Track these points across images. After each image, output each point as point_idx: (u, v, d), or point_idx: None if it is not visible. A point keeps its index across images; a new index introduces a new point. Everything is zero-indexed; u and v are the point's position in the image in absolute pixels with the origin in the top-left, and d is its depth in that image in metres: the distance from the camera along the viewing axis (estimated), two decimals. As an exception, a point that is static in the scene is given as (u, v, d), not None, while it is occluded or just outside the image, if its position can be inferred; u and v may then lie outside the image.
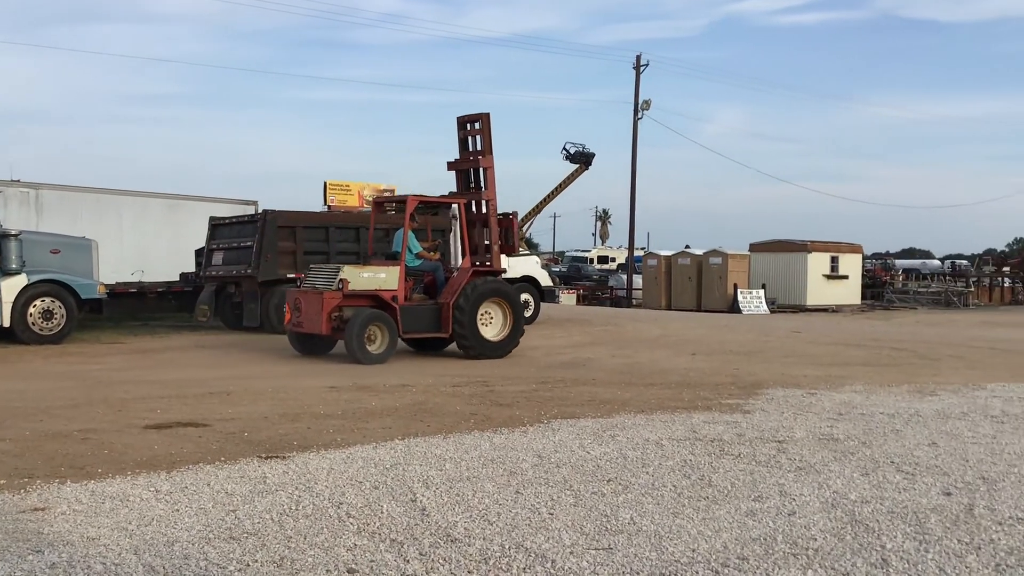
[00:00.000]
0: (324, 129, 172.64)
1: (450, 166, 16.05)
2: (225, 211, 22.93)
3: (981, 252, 74.54)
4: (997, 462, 6.90)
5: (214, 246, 20.71)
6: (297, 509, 5.46)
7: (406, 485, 6.04)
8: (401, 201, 15.75)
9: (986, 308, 39.52)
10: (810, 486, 6.10)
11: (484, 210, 15.71)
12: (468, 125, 16.05)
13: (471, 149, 15.86)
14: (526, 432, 8.01)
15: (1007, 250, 79.65)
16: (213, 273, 20.40)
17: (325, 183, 23.14)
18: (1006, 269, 54.26)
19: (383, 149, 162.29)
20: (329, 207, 22.64)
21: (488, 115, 15.88)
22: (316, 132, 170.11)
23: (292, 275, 19.45)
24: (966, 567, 4.51)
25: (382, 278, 14.27)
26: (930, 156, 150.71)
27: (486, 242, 15.79)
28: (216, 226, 21.01)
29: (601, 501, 5.67)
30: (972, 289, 42.95)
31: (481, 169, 15.59)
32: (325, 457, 6.89)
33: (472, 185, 15.80)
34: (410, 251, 14.80)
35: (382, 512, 5.41)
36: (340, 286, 13.98)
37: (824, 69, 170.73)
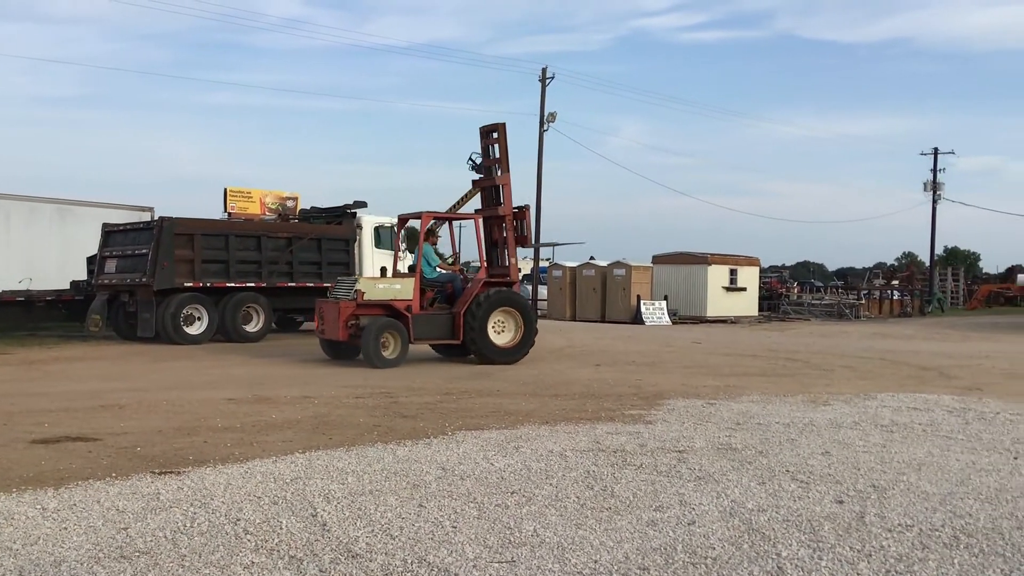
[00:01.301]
0: (225, 135, 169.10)
1: (475, 185, 17.03)
2: (119, 217, 22.26)
3: (872, 265, 77.59)
4: (887, 470, 7.15)
5: (107, 253, 20.08)
6: (192, 526, 5.31)
7: (306, 500, 5.93)
8: (417, 216, 16.58)
9: (876, 320, 41.07)
10: (709, 495, 6.22)
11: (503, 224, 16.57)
12: (489, 135, 16.84)
13: (491, 157, 16.76)
14: (430, 444, 7.96)
15: (896, 263, 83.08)
16: (106, 281, 19.77)
17: (225, 190, 22.59)
18: (895, 282, 56.58)
19: (287, 156, 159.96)
20: (229, 214, 22.12)
21: (503, 125, 16.77)
22: (217, 138, 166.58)
23: (190, 284, 19.00)
24: (858, 574, 4.65)
25: (397, 289, 15.54)
26: (824, 172, 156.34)
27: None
28: (110, 233, 20.37)
29: (505, 513, 5.67)
30: (863, 302, 44.58)
31: (500, 186, 16.54)
32: (222, 472, 6.72)
33: (494, 200, 16.70)
34: (429, 264, 16.05)
35: (281, 528, 5.30)
36: (355, 296, 15.24)
37: (724, 86, 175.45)
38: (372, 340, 14.83)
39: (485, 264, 16.41)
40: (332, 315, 15.39)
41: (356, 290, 15.28)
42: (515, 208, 16.54)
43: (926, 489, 6.50)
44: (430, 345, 16.34)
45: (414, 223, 17.21)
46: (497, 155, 16.68)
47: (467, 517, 5.57)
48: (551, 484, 6.49)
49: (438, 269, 16.36)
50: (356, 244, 21.72)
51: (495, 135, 16.71)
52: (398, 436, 8.34)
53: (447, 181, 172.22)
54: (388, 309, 15.38)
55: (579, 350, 19.45)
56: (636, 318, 33.38)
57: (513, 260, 16.44)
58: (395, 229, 22.41)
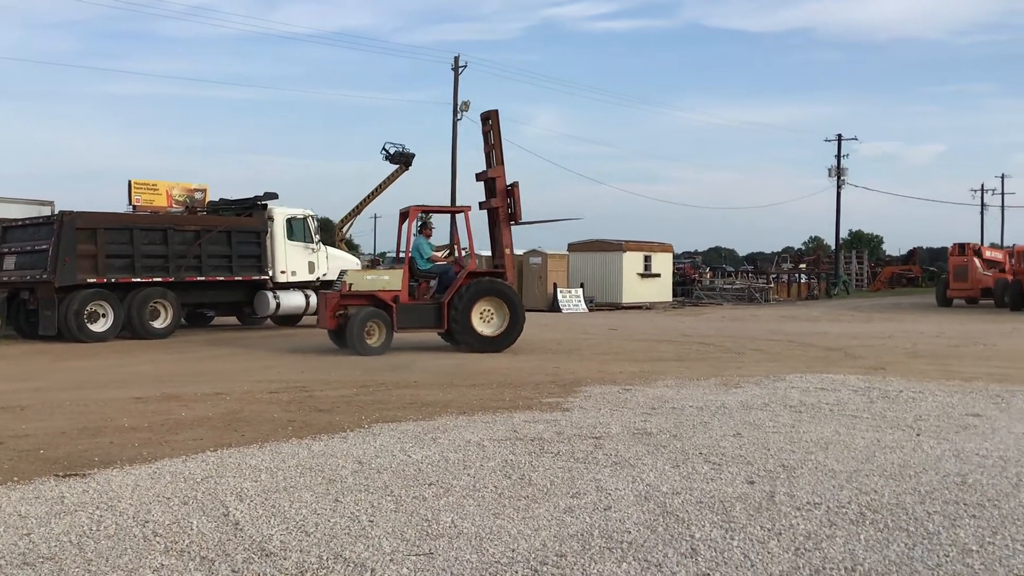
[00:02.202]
0: (128, 125, 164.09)
1: (478, 177, 17.23)
2: (17, 212, 21.45)
3: (780, 250, 79.58)
4: (796, 450, 7.35)
5: (5, 250, 19.35)
6: (99, 530, 5.15)
7: (218, 499, 5.81)
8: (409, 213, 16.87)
9: (785, 303, 42.17)
10: (625, 480, 6.30)
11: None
12: (486, 121, 17.07)
13: (489, 143, 16.99)
14: (346, 438, 7.88)
15: (803, 248, 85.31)
16: (4, 279, 19.03)
17: (130, 182, 21.90)
18: (802, 266, 58.16)
19: (194, 147, 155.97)
20: (134, 207, 21.49)
21: (495, 112, 16.88)
22: (120, 129, 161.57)
23: (93, 279, 18.42)
24: (768, 552, 4.77)
25: (385, 280, 16.27)
26: (733, 159, 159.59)
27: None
28: (7, 228, 19.63)
29: (422, 505, 5.65)
30: (772, 285, 45.71)
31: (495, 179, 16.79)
32: (129, 473, 6.53)
33: (492, 193, 16.91)
34: (421, 256, 16.54)
35: (191, 529, 5.17)
36: (340, 287, 16.06)
37: (636, 75, 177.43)
38: (355, 329, 15.58)
39: (473, 256, 16.89)
40: (324, 306, 16.32)
41: (343, 281, 16.07)
42: (508, 186, 16.76)
43: (833, 467, 6.70)
44: (439, 334, 16.97)
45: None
46: (492, 143, 16.92)
47: (384, 510, 5.53)
48: (469, 474, 6.48)
49: (431, 260, 16.79)
50: (268, 236, 21.33)
51: (490, 122, 16.94)
52: (313, 431, 8.24)
53: (361, 171, 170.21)
54: (374, 299, 15.97)
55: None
56: (553, 306, 33.59)
57: (507, 251, 16.79)
58: (308, 221, 22.15)
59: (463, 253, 17.52)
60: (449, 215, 17.65)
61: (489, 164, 17.01)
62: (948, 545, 4.86)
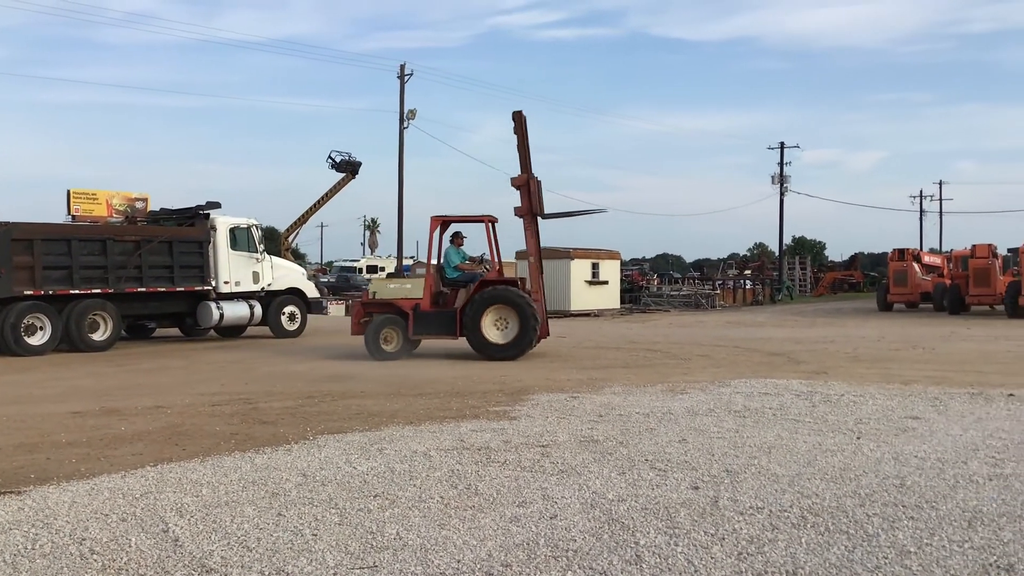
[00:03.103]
0: (67, 134, 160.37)
1: (514, 182, 17.05)
2: (-51, 222, 20.82)
3: (726, 256, 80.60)
4: (739, 455, 7.44)
5: (-63, 261, 18.75)
6: (33, 548, 5.02)
7: (157, 515, 5.71)
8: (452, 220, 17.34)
9: (731, 309, 42.69)
10: (571, 488, 6.31)
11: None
12: (515, 121, 17.12)
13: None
14: (290, 450, 7.79)
15: (748, 254, 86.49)
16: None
17: (68, 192, 21.52)
18: (748, 272, 58.95)
19: (135, 156, 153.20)
20: (73, 217, 21.06)
21: (518, 113, 16.88)
22: (59, 137, 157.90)
23: (30, 292, 18.02)
24: (712, 557, 4.81)
25: (407, 288, 16.98)
26: (679, 167, 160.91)
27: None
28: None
29: (367, 518, 5.61)
30: (718, 292, 46.25)
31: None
32: (66, 490, 6.39)
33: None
34: (449, 264, 16.98)
35: (130, 546, 5.07)
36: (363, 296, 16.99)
37: (582, 83, 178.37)
38: (371, 335, 16.62)
39: (495, 265, 17.11)
40: (352, 313, 17.54)
41: (366, 290, 16.82)
42: (521, 183, 16.76)
43: (776, 471, 6.79)
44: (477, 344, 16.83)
45: (457, 226, 17.56)
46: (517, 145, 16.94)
47: (328, 524, 5.48)
48: (415, 485, 6.45)
49: (459, 269, 17.01)
50: (210, 246, 21.04)
51: (516, 124, 16.98)
52: (257, 443, 8.13)
53: (307, 180, 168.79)
54: (392, 307, 16.72)
55: (444, 348, 19.40)
56: (501, 314, 33.56)
57: (531, 258, 17.07)
58: (252, 230, 21.90)
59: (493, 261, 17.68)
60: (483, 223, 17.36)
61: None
62: (887, 547, 4.95)
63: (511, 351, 16.28)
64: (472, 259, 17.36)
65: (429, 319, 16.61)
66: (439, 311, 16.69)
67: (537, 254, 17.06)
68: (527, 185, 16.67)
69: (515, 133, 16.93)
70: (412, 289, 16.84)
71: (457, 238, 17.26)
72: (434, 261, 17.09)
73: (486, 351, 16.31)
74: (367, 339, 16.67)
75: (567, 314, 35.36)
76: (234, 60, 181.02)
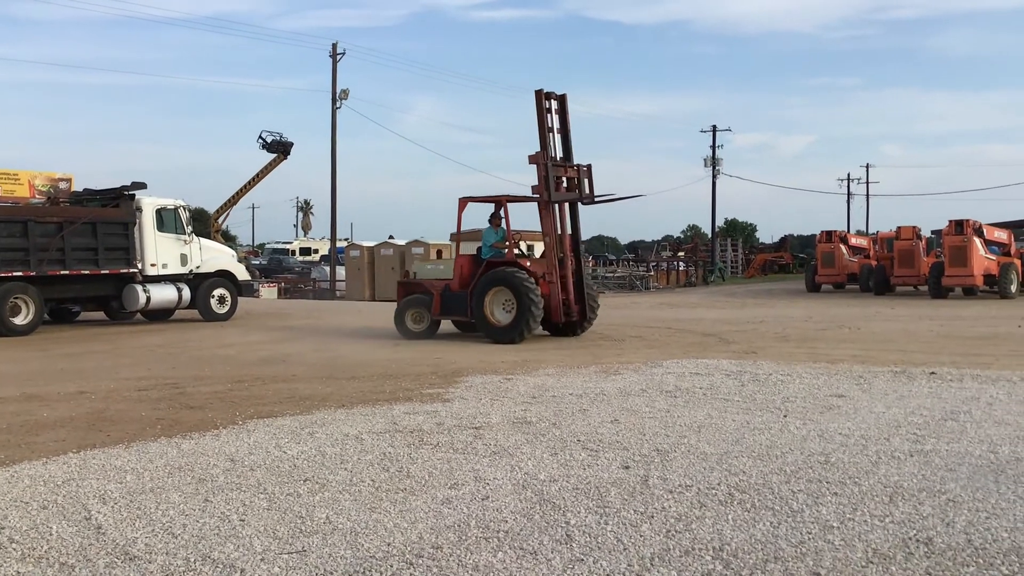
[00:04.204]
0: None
1: (530, 159, 16.49)
2: None
3: (660, 238, 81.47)
4: (670, 434, 7.54)
5: None
6: (-53, 540, 4.87)
7: (80, 502, 5.58)
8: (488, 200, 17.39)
9: (664, 290, 43.20)
10: (503, 469, 6.34)
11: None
12: (547, 102, 16.45)
13: (549, 127, 16.44)
14: (218, 435, 7.68)
15: (682, 236, 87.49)
16: None
17: (-12, 171, 20.81)
18: (681, 254, 59.69)
19: (58, 135, 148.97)
20: (-8, 198, 20.40)
21: (539, 91, 16.35)
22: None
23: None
24: (640, 535, 4.88)
25: (441, 269, 17.52)
26: (614, 150, 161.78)
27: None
28: None
29: (296, 502, 5.56)
30: (652, 273, 46.74)
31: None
32: (-17, 479, 6.20)
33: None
34: (485, 244, 16.88)
35: (51, 534, 4.95)
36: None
37: (518, 64, 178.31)
38: (399, 314, 17.26)
39: (511, 245, 16.77)
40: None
41: (406, 270, 17.25)
42: (579, 165, 16.61)
43: (704, 450, 6.90)
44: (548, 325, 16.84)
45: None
46: (557, 124, 16.60)
47: (256, 509, 5.42)
48: (346, 469, 6.41)
49: (494, 248, 16.84)
50: (136, 228, 20.56)
51: (553, 105, 16.57)
52: (183, 429, 8.00)
53: (237, 160, 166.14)
54: (422, 287, 17.15)
55: (377, 330, 19.31)
56: (436, 296, 33.48)
57: (546, 238, 16.55)
58: (180, 212, 21.45)
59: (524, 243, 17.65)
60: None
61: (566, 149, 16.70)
62: (811, 522, 5.07)
63: (508, 334, 15.92)
64: (513, 237, 17.07)
65: (453, 300, 16.55)
66: (461, 293, 16.47)
67: (553, 235, 16.45)
68: (543, 166, 16.13)
69: (557, 113, 16.66)
70: (444, 270, 17.00)
71: (495, 219, 17.01)
72: (468, 242, 17.13)
73: (488, 333, 16.16)
74: (395, 317, 17.14)
75: (502, 296, 35.43)
76: (162, 37, 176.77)
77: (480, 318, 16.19)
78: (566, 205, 16.87)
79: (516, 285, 15.94)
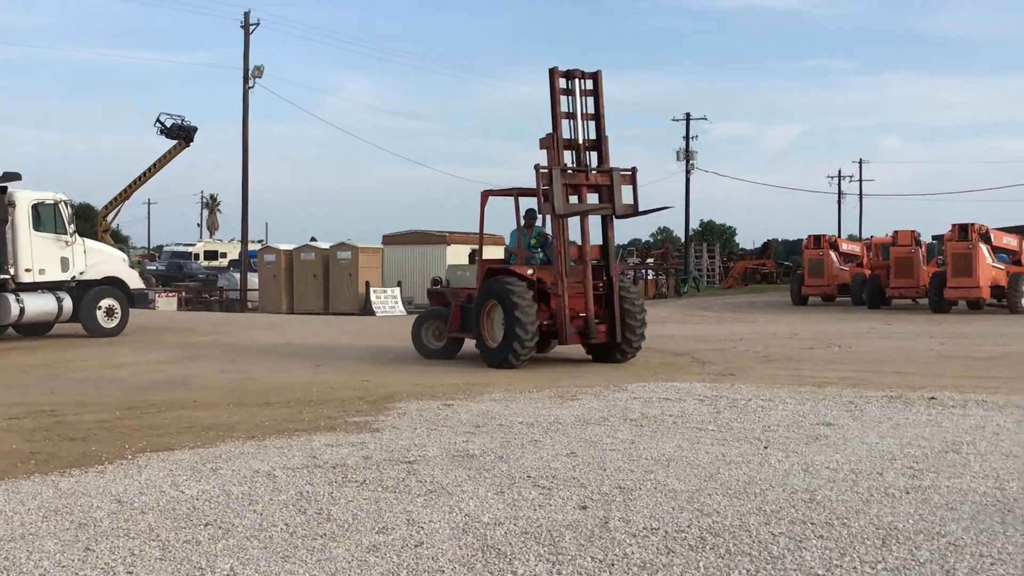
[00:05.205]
0: None
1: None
2: None
3: (626, 243, 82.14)
4: (634, 469, 7.59)
5: None
6: None
7: (-65, 553, 5.46)
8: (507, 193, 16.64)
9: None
10: (441, 511, 6.33)
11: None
12: (569, 82, 15.57)
13: (570, 112, 15.55)
14: (103, 472, 7.59)
15: (651, 240, 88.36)
16: None
17: None
18: (650, 260, 60.22)
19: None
20: None
21: (553, 70, 15.47)
22: None
23: None
24: (599, 586, 4.90)
25: (467, 276, 16.70)
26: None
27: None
28: None
29: (195, 551, 5.49)
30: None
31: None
32: None
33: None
34: (505, 252, 16.88)
35: (-102, 592, 4.84)
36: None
37: (465, 41, 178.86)
38: (415, 328, 16.98)
39: (520, 249, 16.24)
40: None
41: (438, 278, 17.45)
42: (613, 170, 15.54)
43: (674, 487, 6.96)
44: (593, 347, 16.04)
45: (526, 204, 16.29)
46: (590, 109, 15.69)
47: (147, 559, 5.35)
48: (255, 511, 6.36)
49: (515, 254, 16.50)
50: (8, 226, 20.20)
51: (588, 84, 15.74)
52: (62, 464, 7.90)
53: (130, 148, 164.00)
54: (443, 299, 16.83)
55: (296, 348, 19.21)
56: (366, 308, 33.42)
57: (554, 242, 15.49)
58: (60, 207, 21.11)
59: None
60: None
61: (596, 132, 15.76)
62: (793, 570, 5.13)
63: (496, 357, 15.17)
64: (544, 237, 16.27)
65: (469, 314, 15.83)
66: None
67: (562, 239, 15.33)
68: (545, 175, 15.05)
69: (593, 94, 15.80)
70: (470, 278, 16.39)
71: (528, 216, 16.24)
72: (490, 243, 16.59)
73: (481, 354, 15.59)
74: (413, 332, 16.84)
75: (442, 308, 35.39)
76: (39, 0, 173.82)
77: (478, 336, 15.57)
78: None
79: (504, 299, 15.01)
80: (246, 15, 43.60)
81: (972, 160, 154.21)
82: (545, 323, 15.31)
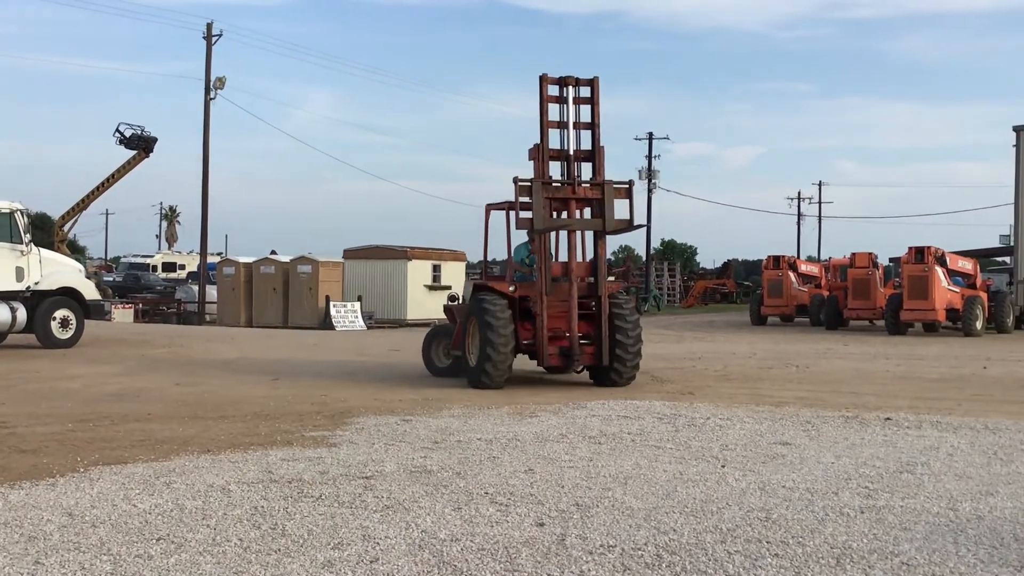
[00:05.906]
0: None
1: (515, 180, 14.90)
2: None
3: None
4: (592, 486, 7.59)
5: None
6: None
7: None
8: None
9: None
10: (397, 527, 6.30)
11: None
12: (564, 89, 15.02)
13: (563, 122, 15.03)
14: (55, 485, 7.49)
15: (612, 259, 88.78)
16: None
17: None
18: (611, 279, 60.39)
19: None
20: None
21: (543, 76, 14.99)
22: None
23: None
24: (554, 603, 4.89)
25: None
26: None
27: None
28: None
29: (147, 566, 5.43)
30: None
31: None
32: None
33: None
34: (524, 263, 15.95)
35: None
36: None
37: (428, 57, 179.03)
38: (424, 345, 16.73)
39: (510, 267, 16.11)
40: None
41: (450, 293, 17.76)
42: (616, 183, 14.97)
43: (631, 504, 6.97)
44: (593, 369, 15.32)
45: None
46: (586, 120, 15.08)
47: (98, 573, 5.29)
48: (208, 526, 6.30)
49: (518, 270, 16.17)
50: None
51: (583, 92, 15.08)
52: (12, 476, 7.79)
53: (88, 157, 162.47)
54: (452, 314, 16.60)
55: (254, 362, 19.08)
56: (325, 322, 33.27)
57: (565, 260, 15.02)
58: (16, 216, 20.85)
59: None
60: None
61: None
62: (748, 588, 5.15)
63: (475, 375, 14.65)
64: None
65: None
66: None
67: (543, 254, 14.80)
68: (525, 186, 14.57)
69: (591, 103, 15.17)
70: None
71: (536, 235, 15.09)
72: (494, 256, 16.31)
73: (465, 373, 15.12)
74: (423, 348, 16.67)
75: (403, 323, 35.31)
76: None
77: (463, 355, 15.15)
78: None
79: (479, 316, 14.43)
80: (208, 26, 43.42)
81: (928, 184, 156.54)
82: (525, 343, 14.74)
